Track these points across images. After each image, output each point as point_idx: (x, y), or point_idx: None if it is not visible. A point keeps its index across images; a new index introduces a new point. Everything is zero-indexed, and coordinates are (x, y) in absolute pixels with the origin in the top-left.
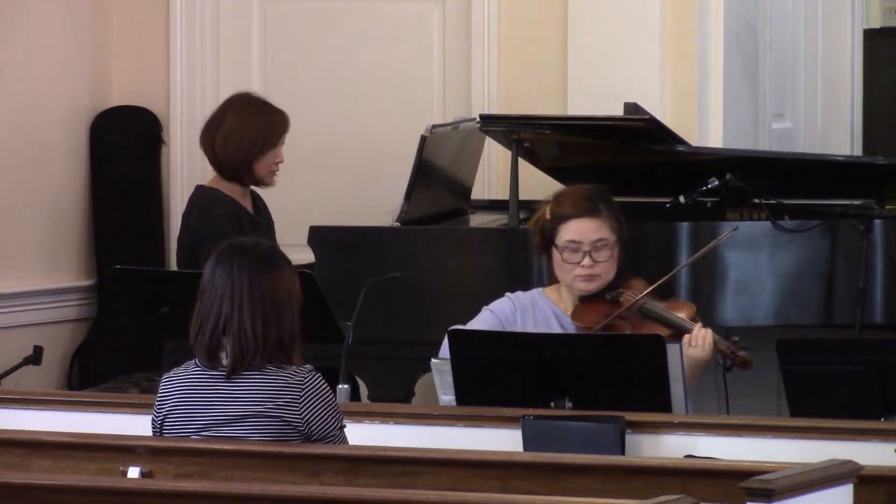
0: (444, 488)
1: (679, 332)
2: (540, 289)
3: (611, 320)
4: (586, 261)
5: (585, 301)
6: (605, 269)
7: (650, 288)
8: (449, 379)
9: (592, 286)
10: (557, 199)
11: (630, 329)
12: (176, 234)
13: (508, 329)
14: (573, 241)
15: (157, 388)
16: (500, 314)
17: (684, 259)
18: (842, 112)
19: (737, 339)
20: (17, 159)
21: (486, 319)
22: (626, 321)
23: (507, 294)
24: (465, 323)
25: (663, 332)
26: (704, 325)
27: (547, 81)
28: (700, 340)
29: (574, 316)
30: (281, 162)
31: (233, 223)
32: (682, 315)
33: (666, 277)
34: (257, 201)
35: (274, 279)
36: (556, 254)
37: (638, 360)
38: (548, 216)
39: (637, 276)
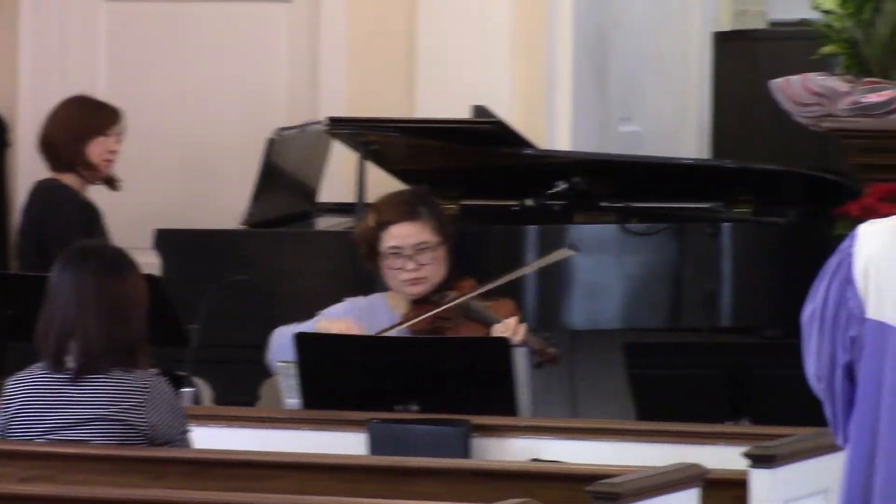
0: (290, 492)
1: None
2: (382, 293)
3: (432, 314)
4: (410, 265)
5: (415, 305)
6: (431, 271)
7: (475, 292)
8: (295, 382)
9: (420, 289)
10: (377, 206)
11: (453, 330)
12: None
13: None
14: (394, 247)
15: (0, 392)
16: (335, 319)
17: (531, 262)
18: (691, 115)
19: (550, 336)
20: None
21: (337, 309)
22: (449, 322)
23: (347, 299)
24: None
25: (483, 331)
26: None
27: (395, 84)
28: (507, 328)
29: (404, 320)
30: (115, 152)
31: (80, 211)
32: (502, 313)
33: (492, 284)
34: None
35: (121, 283)
36: (381, 261)
37: (483, 364)
38: (370, 224)
39: (467, 277)
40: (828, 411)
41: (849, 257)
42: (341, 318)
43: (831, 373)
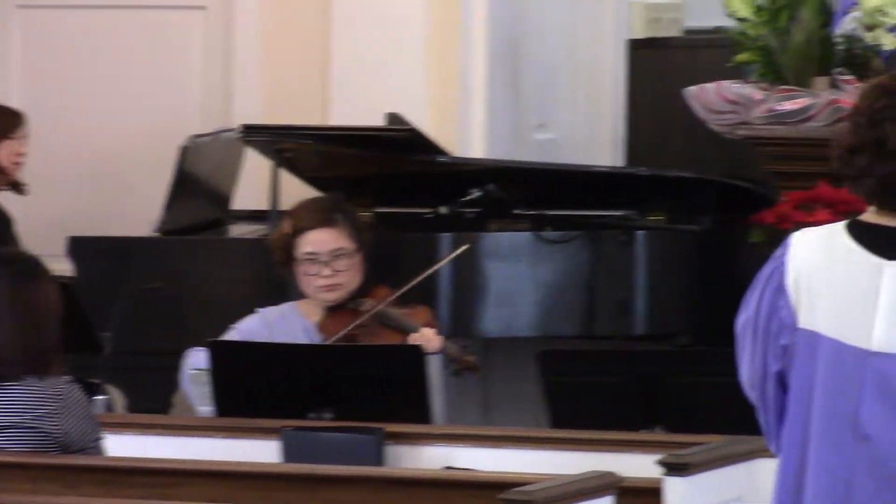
0: (203, 499)
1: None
2: (293, 302)
3: (349, 330)
4: (326, 271)
5: (331, 312)
6: (347, 278)
7: (391, 297)
8: (207, 390)
9: (335, 296)
10: (294, 212)
11: (368, 337)
12: None
13: None
14: (311, 253)
15: None
16: (247, 332)
17: (445, 270)
18: (605, 123)
19: (468, 344)
20: None
21: (246, 323)
22: (365, 328)
23: (257, 309)
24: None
25: (399, 338)
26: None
27: (309, 92)
28: (423, 340)
29: (320, 327)
30: (22, 154)
31: None
32: (417, 321)
33: (403, 289)
34: None
35: (34, 290)
36: (297, 267)
37: (397, 371)
38: (286, 230)
39: (382, 285)
40: (761, 419)
41: (781, 266)
42: (251, 327)
43: (763, 381)
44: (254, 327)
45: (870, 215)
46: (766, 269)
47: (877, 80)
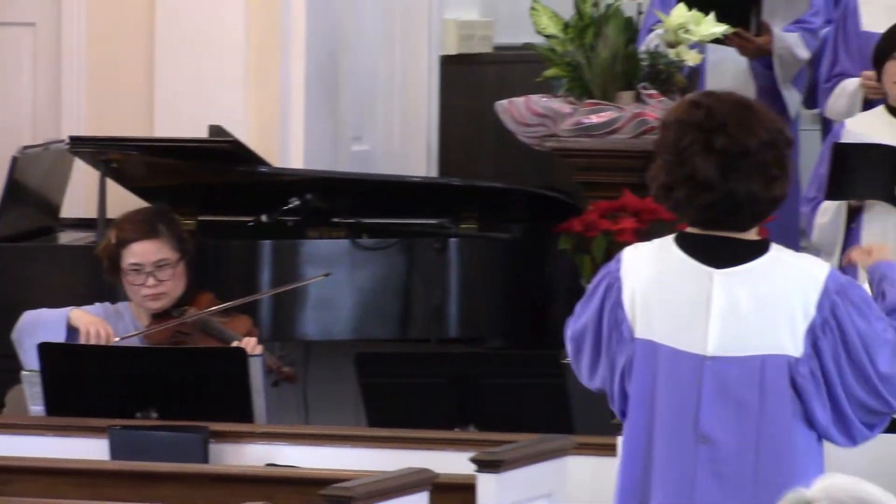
0: (33, 496)
1: None
2: (128, 303)
3: (174, 337)
4: (150, 281)
5: (156, 319)
6: (170, 287)
7: (213, 308)
8: (39, 390)
9: (160, 304)
10: (118, 223)
11: (192, 345)
12: None
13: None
14: (135, 264)
15: None
16: (95, 311)
17: (266, 276)
18: (420, 135)
19: (285, 354)
20: None
21: (89, 309)
22: (188, 336)
23: (98, 304)
24: None
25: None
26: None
27: (134, 105)
28: (245, 346)
29: (146, 333)
30: None
31: None
32: (238, 329)
33: (232, 303)
34: None
35: None
36: (123, 277)
37: (221, 372)
38: (112, 241)
39: (205, 291)
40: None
41: (617, 281)
42: (95, 313)
43: (612, 388)
44: (94, 311)
45: (695, 228)
46: (602, 283)
47: (674, 115)
